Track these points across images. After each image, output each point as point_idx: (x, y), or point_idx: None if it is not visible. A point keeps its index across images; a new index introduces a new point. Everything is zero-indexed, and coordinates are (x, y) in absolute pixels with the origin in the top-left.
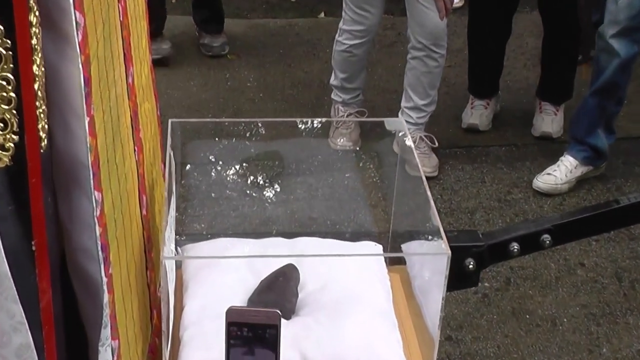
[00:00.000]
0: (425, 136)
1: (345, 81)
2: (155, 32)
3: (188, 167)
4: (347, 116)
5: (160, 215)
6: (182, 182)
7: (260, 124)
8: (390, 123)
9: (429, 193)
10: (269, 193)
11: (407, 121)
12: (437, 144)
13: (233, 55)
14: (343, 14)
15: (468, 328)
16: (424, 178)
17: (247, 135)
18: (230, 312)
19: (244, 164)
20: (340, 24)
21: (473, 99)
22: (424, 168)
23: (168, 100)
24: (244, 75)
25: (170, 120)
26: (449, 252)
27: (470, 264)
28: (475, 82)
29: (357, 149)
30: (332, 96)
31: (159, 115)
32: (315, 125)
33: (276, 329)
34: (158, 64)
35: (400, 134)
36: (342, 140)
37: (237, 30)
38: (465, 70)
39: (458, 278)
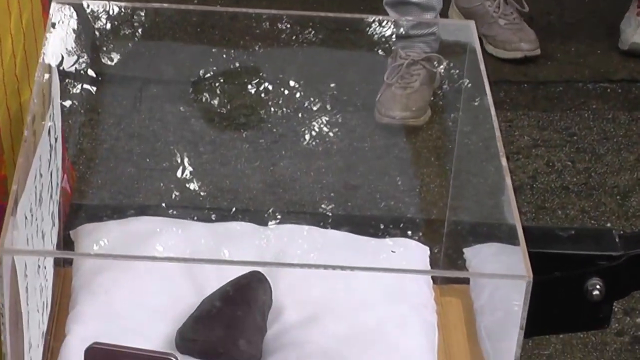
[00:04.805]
0: None
1: None
2: None
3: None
4: (409, 65)
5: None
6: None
7: (225, 15)
8: None
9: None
10: (232, 139)
11: None
12: (527, 7)
13: None
14: None
15: None
16: (487, 90)
17: (201, 31)
18: (92, 353)
19: (191, 86)
20: None
21: None
22: (519, 44)
23: None
24: None
25: None
26: (529, 274)
27: (597, 288)
28: None
29: (422, 125)
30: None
31: None
32: (331, 22)
33: None
34: None
35: None
36: (394, 108)
37: None
38: None
39: (575, 312)
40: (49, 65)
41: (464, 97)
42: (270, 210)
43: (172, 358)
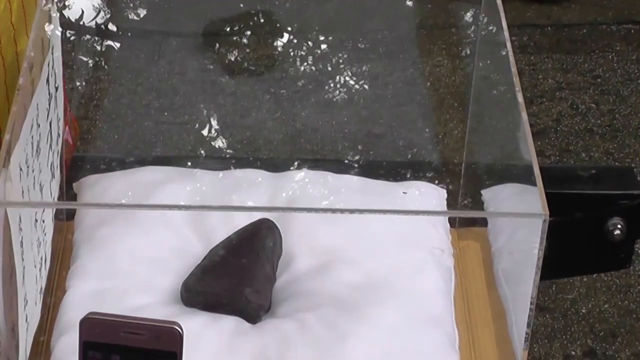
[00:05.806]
0: None
1: None
2: None
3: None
4: None
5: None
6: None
7: None
8: None
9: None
10: (253, 90)
11: None
12: None
13: None
14: None
15: (627, 337)
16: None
17: None
18: (88, 324)
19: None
20: None
21: None
22: None
23: None
24: None
25: None
26: (546, 211)
27: (618, 227)
28: None
29: None
30: None
31: None
32: None
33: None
34: None
35: None
36: None
37: None
38: None
39: (596, 252)
40: (49, 11)
41: (479, 38)
42: (289, 159)
43: (176, 327)
